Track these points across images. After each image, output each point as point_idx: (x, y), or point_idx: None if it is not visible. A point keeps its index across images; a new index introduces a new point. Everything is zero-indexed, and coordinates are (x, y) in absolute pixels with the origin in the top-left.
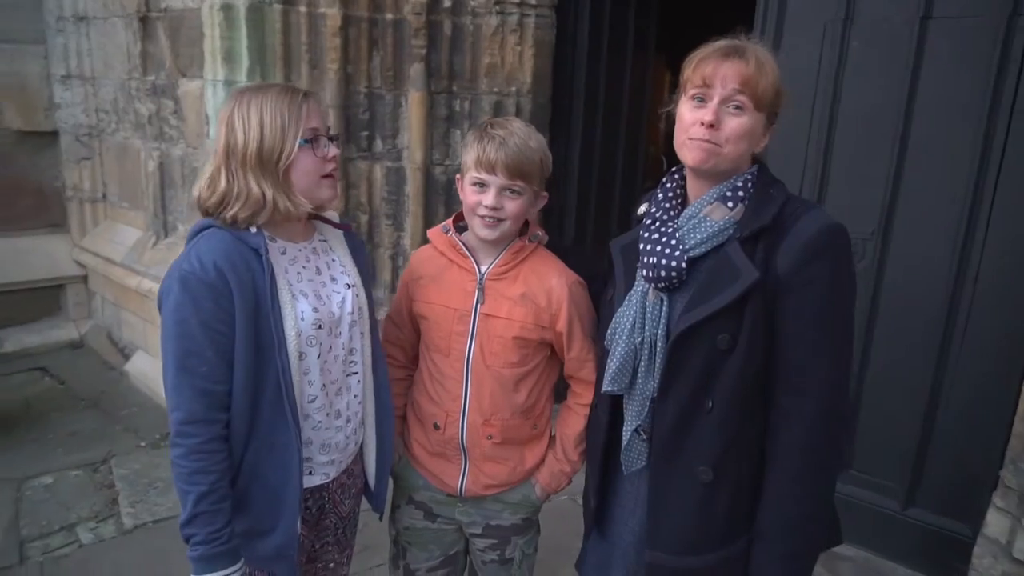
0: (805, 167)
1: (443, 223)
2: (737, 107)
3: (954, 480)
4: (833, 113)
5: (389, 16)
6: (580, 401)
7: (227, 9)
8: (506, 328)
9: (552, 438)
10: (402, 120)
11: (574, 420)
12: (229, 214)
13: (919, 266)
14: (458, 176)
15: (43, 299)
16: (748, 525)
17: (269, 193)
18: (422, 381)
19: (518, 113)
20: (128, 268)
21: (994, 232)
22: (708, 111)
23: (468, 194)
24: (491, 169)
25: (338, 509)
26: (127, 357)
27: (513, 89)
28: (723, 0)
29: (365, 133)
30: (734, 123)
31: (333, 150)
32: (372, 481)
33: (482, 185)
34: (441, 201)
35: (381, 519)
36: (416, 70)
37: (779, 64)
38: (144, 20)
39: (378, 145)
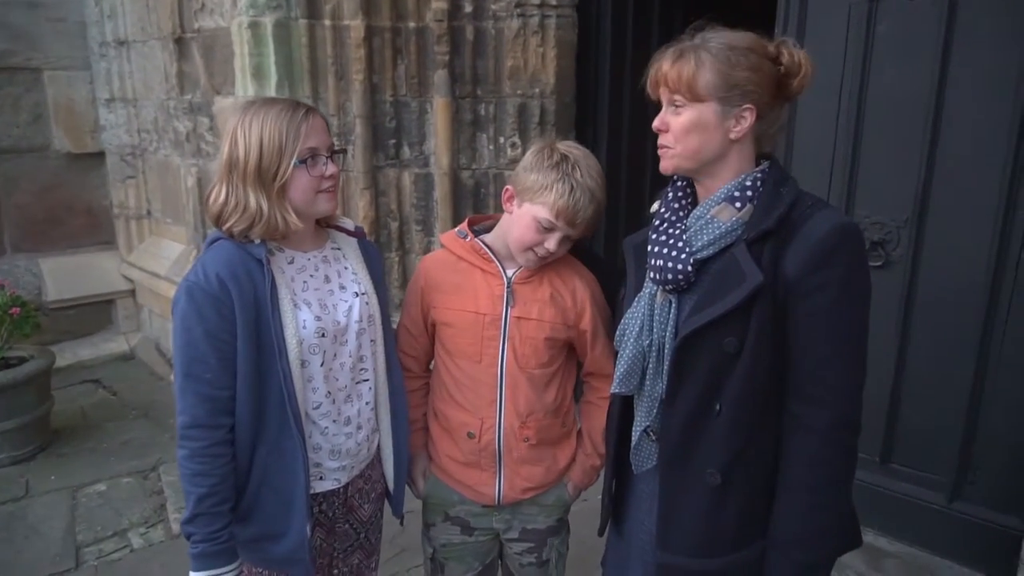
0: (835, 155)
1: (458, 228)
2: (676, 106)
3: (1002, 472)
4: (862, 99)
5: (412, 24)
6: (602, 395)
7: (255, 27)
8: (538, 329)
9: (578, 435)
10: (428, 126)
11: (599, 414)
12: (226, 227)
13: (957, 253)
14: (509, 188)
15: (95, 313)
16: (761, 530)
17: (265, 207)
18: (446, 390)
19: (543, 114)
20: (172, 281)
21: None
22: (657, 118)
23: (527, 229)
24: (572, 223)
25: (357, 514)
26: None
27: (537, 91)
28: None
29: (392, 141)
30: (675, 122)
31: (331, 168)
32: (391, 486)
33: (550, 230)
34: (469, 205)
35: (402, 524)
36: (440, 76)
37: (809, 51)
38: (179, 41)
39: (406, 152)
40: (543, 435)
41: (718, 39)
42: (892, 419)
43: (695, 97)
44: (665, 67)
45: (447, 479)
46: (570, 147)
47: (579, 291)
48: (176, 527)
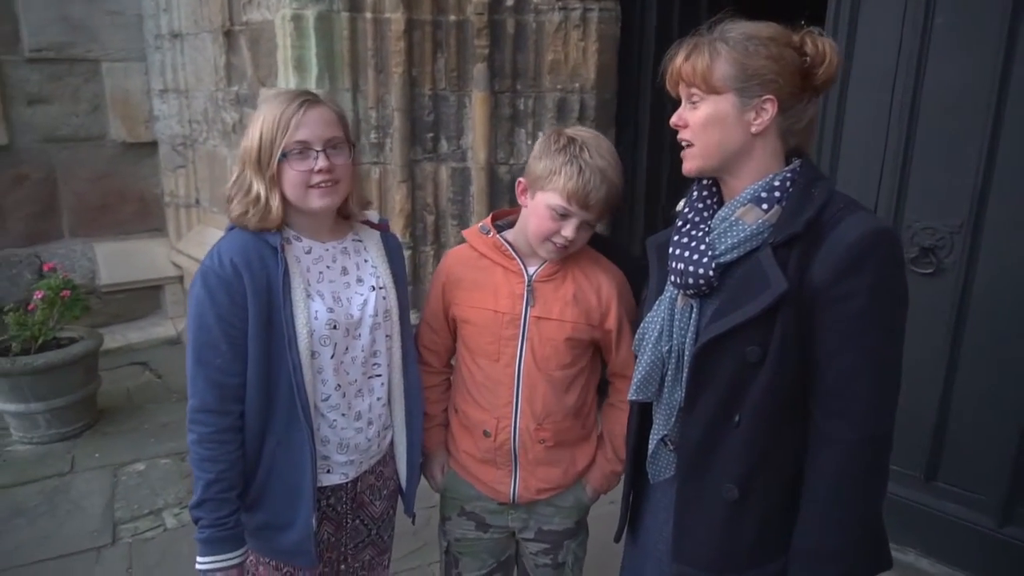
0: (885, 154)
1: (480, 223)
2: (693, 101)
3: None
4: (916, 95)
5: (452, 18)
6: (625, 398)
7: (297, 19)
8: (558, 330)
9: (599, 438)
10: (466, 121)
11: (621, 419)
12: (231, 207)
13: (1015, 260)
14: (522, 181)
15: (145, 298)
16: (778, 551)
17: (263, 194)
18: (465, 388)
19: (582, 110)
20: None
21: None
22: (675, 114)
23: (543, 218)
24: (585, 206)
25: (368, 510)
26: None
27: (577, 86)
28: None
29: (430, 135)
30: (692, 117)
31: (321, 162)
32: (403, 484)
33: (565, 216)
34: (506, 200)
35: (414, 523)
36: (479, 70)
37: (857, 44)
38: (228, 34)
39: (443, 146)
40: (561, 437)
41: (737, 29)
42: (939, 435)
43: (711, 89)
44: (679, 61)
45: (465, 473)
46: (578, 130)
47: (604, 288)
48: None
